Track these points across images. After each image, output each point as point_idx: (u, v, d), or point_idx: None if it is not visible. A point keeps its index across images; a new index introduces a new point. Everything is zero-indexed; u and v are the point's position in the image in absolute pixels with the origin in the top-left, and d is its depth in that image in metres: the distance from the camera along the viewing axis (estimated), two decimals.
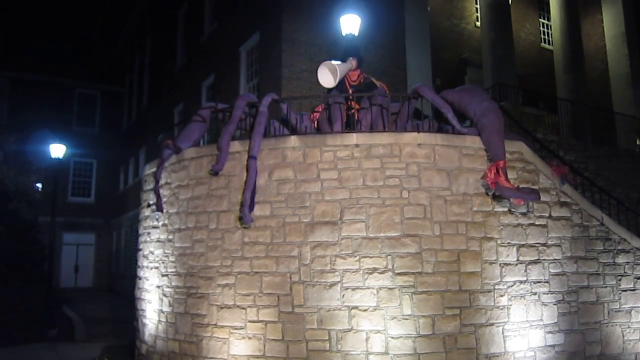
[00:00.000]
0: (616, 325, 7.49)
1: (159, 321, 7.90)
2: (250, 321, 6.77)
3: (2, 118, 27.55)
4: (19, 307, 13.76)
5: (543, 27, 19.68)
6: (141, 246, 8.96)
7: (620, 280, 7.65)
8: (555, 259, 7.17)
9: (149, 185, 8.66)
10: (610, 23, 19.10)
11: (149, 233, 8.59)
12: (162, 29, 22.85)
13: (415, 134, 6.97)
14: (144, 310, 8.47)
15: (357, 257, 6.57)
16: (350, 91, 8.05)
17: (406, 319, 6.42)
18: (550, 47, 18.70)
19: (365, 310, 6.46)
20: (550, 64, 17.51)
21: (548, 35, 19.43)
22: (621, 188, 12.92)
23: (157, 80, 23.10)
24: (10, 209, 16.24)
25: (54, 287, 17.56)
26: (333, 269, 6.58)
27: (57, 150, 16.23)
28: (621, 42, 18.60)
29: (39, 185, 19.90)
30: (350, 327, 6.44)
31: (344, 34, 9.86)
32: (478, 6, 16.94)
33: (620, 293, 7.61)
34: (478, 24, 17.13)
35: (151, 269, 8.35)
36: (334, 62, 7.61)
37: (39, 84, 28.61)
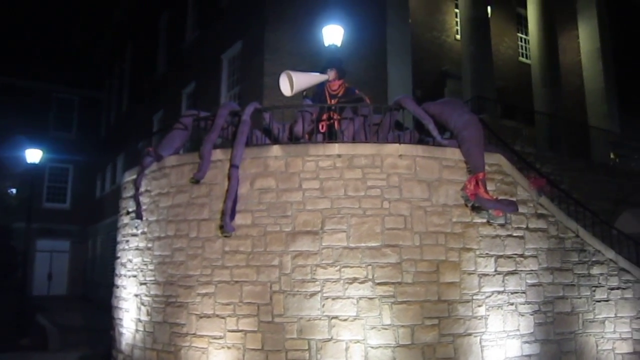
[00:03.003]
0: (590, 335, 7.64)
1: (137, 330, 7.80)
2: (229, 330, 6.73)
3: None
4: None
5: (521, 41, 20.05)
6: (119, 254, 8.85)
7: (594, 291, 7.80)
8: (532, 270, 7.29)
9: (129, 192, 8.57)
10: (585, 39, 19.53)
11: (127, 241, 8.49)
12: (143, 35, 22.70)
13: (396, 145, 7.05)
14: (121, 319, 8.35)
15: (338, 267, 6.58)
16: (331, 101, 8.09)
17: (386, 329, 6.45)
18: (528, 61, 19.03)
19: (345, 320, 6.47)
20: (528, 77, 17.82)
21: (526, 50, 19.79)
22: (596, 200, 13.15)
23: (137, 87, 22.90)
24: None
25: (26, 294, 17.20)
26: (314, 278, 6.59)
27: (33, 155, 15.97)
28: (596, 57, 19.01)
29: (14, 190, 19.56)
30: (330, 337, 6.44)
31: (326, 44, 9.94)
32: (458, 20, 17.21)
33: (594, 304, 7.76)
34: (458, 37, 17.39)
35: (129, 277, 8.25)
36: (293, 72, 7.66)
37: (15, 87, 28.12)
